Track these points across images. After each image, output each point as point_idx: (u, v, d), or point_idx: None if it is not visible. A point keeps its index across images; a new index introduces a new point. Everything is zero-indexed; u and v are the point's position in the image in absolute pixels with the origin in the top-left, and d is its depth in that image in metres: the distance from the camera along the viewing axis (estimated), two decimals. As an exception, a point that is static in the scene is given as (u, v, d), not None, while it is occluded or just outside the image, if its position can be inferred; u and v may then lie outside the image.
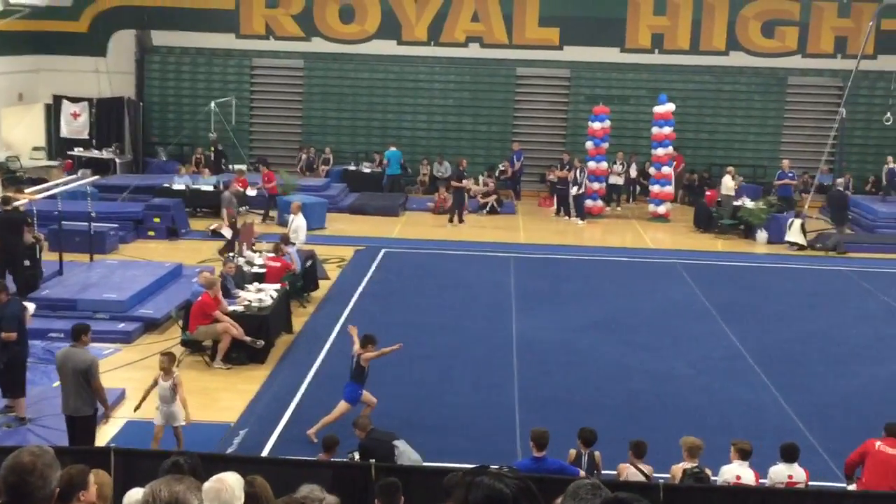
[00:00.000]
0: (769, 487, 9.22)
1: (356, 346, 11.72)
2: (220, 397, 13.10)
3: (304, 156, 29.65)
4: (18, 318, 11.67)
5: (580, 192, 26.15)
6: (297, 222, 19.34)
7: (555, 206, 27.38)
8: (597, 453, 9.63)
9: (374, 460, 8.80)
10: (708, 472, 9.32)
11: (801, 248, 23.39)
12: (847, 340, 16.47)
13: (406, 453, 9.80)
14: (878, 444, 9.30)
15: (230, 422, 12.06)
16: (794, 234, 23.48)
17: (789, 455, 9.46)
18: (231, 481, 4.63)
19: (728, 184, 25.31)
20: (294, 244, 18.12)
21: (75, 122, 29.86)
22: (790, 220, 23.75)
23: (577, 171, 26.07)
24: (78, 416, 10.31)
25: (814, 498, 8.86)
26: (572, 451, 9.61)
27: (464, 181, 26.05)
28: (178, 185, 24.75)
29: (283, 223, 20.28)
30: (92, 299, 15.97)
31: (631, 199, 28.70)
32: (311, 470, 8.49)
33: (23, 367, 11.77)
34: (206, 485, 4.44)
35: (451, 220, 25.45)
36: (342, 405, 11.56)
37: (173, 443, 10.62)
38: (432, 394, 13.26)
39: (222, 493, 4.49)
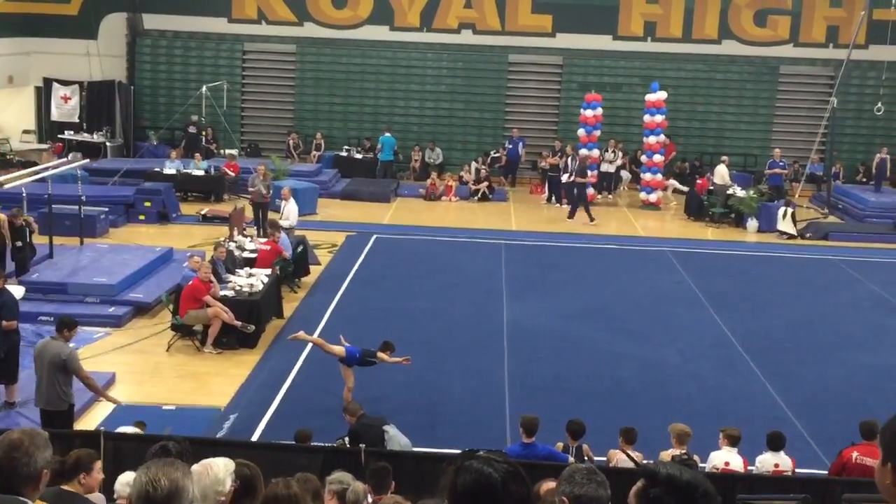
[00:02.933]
0: (757, 474, 9.28)
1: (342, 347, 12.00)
2: (210, 382, 13.11)
3: (290, 141, 29.55)
4: (17, 305, 11.71)
5: (571, 179, 26.15)
6: (289, 207, 19.32)
7: (546, 194, 27.39)
8: (584, 446, 9.64)
9: (363, 445, 8.82)
10: (696, 458, 9.37)
11: (792, 237, 23.47)
12: (835, 329, 16.55)
13: (396, 438, 9.83)
14: (854, 454, 9.05)
15: (220, 406, 12.07)
16: (785, 224, 23.56)
17: (775, 444, 9.52)
18: (218, 467, 4.62)
19: (722, 172, 25.33)
20: (283, 226, 18.19)
21: (66, 106, 29.71)
22: (781, 209, 23.82)
23: (569, 159, 26.08)
24: (52, 410, 10.15)
25: (801, 485, 8.90)
26: (560, 444, 9.61)
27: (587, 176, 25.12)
28: (169, 170, 24.69)
29: (275, 209, 20.27)
30: (82, 283, 15.94)
31: (614, 189, 28.46)
32: (301, 454, 8.52)
33: (17, 354, 11.78)
34: (193, 468, 4.44)
35: (571, 216, 24.62)
36: (339, 349, 11.82)
37: None
38: (422, 379, 13.27)
39: (203, 476, 4.48)
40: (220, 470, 4.57)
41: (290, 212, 19.24)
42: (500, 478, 2.95)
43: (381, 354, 11.93)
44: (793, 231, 23.55)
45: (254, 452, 7.43)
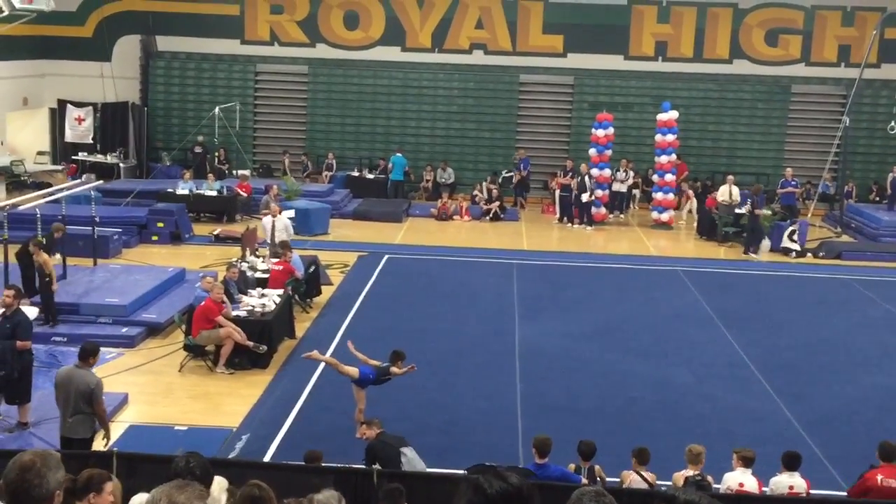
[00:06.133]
0: (771, 495, 9.20)
1: (373, 362, 11.96)
2: (222, 402, 13.10)
3: (286, 160, 29.48)
4: (31, 326, 11.73)
5: (591, 198, 26.17)
6: (284, 221, 19.48)
7: (557, 214, 27.38)
8: (597, 467, 9.57)
9: (378, 464, 8.77)
10: (710, 479, 9.31)
11: (799, 254, 23.35)
12: (849, 349, 16.46)
13: (413, 462, 9.67)
14: (879, 477, 8.92)
15: (232, 427, 12.05)
16: (786, 241, 23.52)
17: (791, 464, 9.44)
18: (212, 485, 4.65)
19: (725, 191, 25.30)
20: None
21: (80, 127, 29.91)
22: (789, 228, 23.82)
23: (586, 178, 26.10)
24: (76, 437, 10.06)
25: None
26: (572, 466, 9.55)
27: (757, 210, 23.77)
28: (182, 190, 24.81)
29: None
30: (95, 303, 15.98)
31: (626, 208, 28.44)
32: (313, 475, 8.49)
33: (31, 374, 11.80)
34: None
35: (746, 252, 23.74)
36: (353, 370, 11.76)
37: None
38: (434, 400, 13.25)
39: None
40: (214, 488, 4.61)
41: (286, 225, 19.37)
42: (495, 494, 2.95)
43: (393, 369, 11.84)
44: (796, 248, 23.46)
45: (266, 473, 7.41)
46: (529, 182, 29.26)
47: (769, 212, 24.53)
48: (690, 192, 27.51)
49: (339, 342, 15.44)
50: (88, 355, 10.18)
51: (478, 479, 2.99)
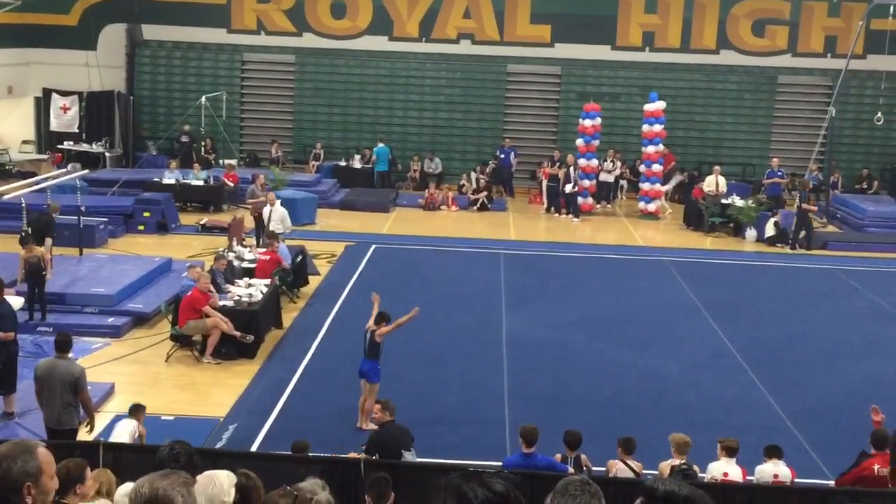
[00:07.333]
0: (756, 484, 9.26)
1: (370, 322, 12.00)
2: (209, 392, 13.10)
3: (272, 150, 29.40)
4: (15, 316, 11.68)
5: (574, 189, 26.18)
6: (280, 211, 19.41)
7: (545, 204, 27.40)
8: (583, 456, 9.60)
9: (363, 453, 8.75)
10: (696, 468, 9.36)
11: (784, 241, 23.47)
12: (835, 338, 16.54)
13: None
14: (876, 467, 8.90)
15: (219, 416, 12.05)
16: (770, 229, 23.65)
17: (773, 453, 9.48)
18: (222, 478, 4.66)
19: (712, 181, 25.35)
20: (283, 232, 18.24)
21: (65, 116, 29.76)
22: (771, 218, 23.93)
23: (571, 169, 26.11)
24: (63, 429, 10.01)
25: (800, 495, 8.89)
26: (558, 455, 9.57)
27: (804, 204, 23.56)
28: (168, 180, 24.71)
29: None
30: (81, 293, 15.94)
31: (612, 198, 28.50)
32: (300, 465, 8.49)
33: (15, 365, 11.75)
34: (198, 477, 4.47)
35: (793, 247, 23.41)
36: (371, 387, 11.69)
37: None
38: (422, 390, 13.26)
39: (209, 487, 4.51)
40: (224, 481, 4.62)
41: (283, 216, 19.28)
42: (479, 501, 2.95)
43: (381, 332, 11.80)
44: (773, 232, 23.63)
45: (253, 463, 7.40)
46: (507, 171, 29.12)
47: (752, 202, 24.62)
48: (662, 190, 27.45)
49: (326, 332, 15.46)
50: (68, 346, 10.21)
51: (462, 487, 2.98)
